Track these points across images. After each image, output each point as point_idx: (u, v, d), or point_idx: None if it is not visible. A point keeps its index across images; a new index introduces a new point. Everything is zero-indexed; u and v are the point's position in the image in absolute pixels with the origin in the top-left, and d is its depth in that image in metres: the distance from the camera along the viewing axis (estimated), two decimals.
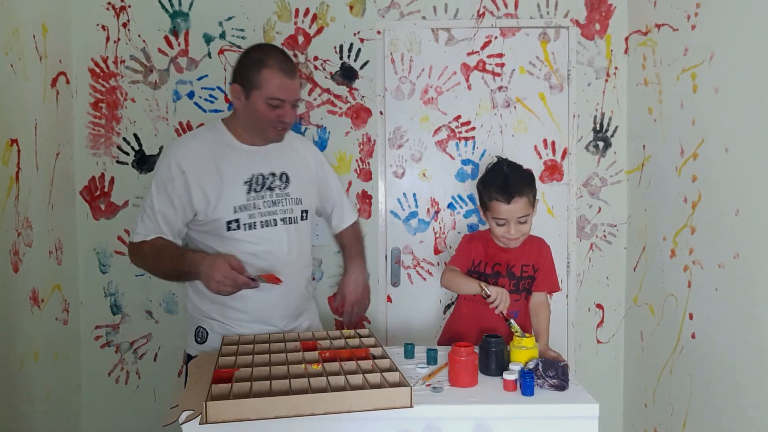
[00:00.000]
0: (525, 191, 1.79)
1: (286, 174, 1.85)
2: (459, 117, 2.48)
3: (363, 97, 2.45)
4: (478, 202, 1.95)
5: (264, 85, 1.70)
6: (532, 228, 1.87)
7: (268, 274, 1.69)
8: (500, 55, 2.47)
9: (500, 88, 2.48)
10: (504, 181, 1.80)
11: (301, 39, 2.43)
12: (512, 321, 1.64)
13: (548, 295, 1.96)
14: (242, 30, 2.42)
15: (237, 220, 1.75)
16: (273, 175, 1.82)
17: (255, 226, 1.77)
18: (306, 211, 1.88)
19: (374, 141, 2.46)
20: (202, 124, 2.43)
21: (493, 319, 1.80)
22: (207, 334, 1.82)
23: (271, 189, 1.81)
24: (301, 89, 1.77)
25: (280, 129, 1.77)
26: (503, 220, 1.81)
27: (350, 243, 2.08)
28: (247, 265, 1.70)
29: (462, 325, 1.94)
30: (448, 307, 2.50)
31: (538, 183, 2.45)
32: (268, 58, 1.72)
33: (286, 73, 1.71)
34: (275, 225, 1.80)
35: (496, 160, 1.95)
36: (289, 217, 1.83)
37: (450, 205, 2.51)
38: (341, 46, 2.44)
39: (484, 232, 1.97)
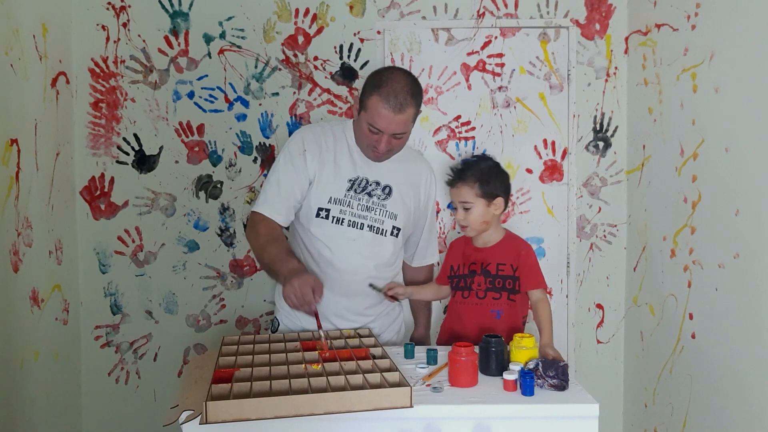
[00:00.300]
0: (469, 179, 1.87)
1: (390, 187, 1.87)
2: (459, 117, 2.48)
3: None
4: None
5: (368, 110, 1.73)
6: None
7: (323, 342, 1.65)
8: (500, 55, 2.47)
9: (500, 88, 2.48)
10: (455, 167, 1.94)
11: (301, 39, 2.43)
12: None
13: (545, 293, 1.96)
14: (242, 30, 2.42)
15: (328, 210, 1.81)
16: (377, 183, 1.86)
17: (343, 222, 1.81)
18: (398, 229, 1.89)
19: None
20: (202, 125, 2.43)
21: (483, 316, 1.88)
22: (278, 324, 1.94)
23: (369, 195, 1.85)
24: (412, 123, 1.77)
25: (375, 154, 1.80)
26: (454, 203, 1.93)
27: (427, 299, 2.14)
28: (322, 259, 1.82)
29: (454, 324, 1.98)
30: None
31: (537, 182, 2.49)
32: (384, 84, 1.70)
33: (392, 107, 1.69)
34: (362, 229, 1.82)
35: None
36: (379, 228, 1.85)
37: (450, 205, 2.50)
38: (341, 46, 2.44)
39: (467, 237, 2.00)
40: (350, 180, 1.83)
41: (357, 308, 1.89)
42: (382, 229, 1.85)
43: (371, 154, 1.81)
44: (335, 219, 1.81)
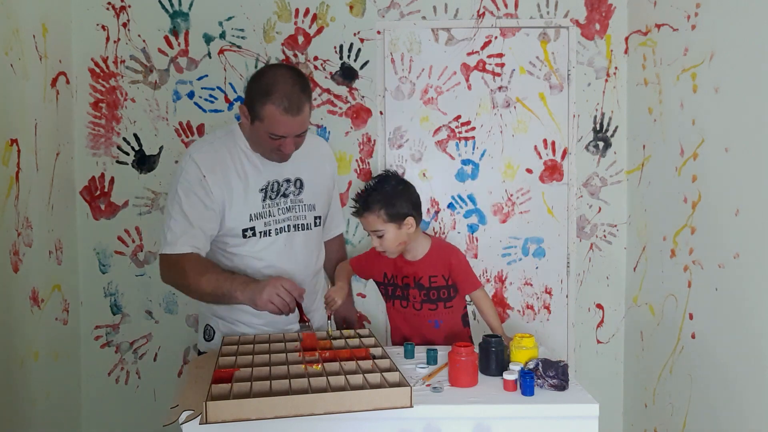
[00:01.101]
0: (373, 207, 1.84)
1: (300, 180, 1.84)
2: (459, 117, 2.48)
3: (363, 97, 2.45)
4: None
5: (265, 119, 1.64)
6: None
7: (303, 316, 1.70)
8: (500, 55, 2.47)
9: (500, 88, 2.48)
10: (358, 196, 1.91)
11: (301, 39, 2.43)
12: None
13: (482, 290, 1.98)
14: (242, 30, 2.42)
15: (253, 228, 1.75)
16: (288, 181, 1.82)
17: (270, 233, 1.77)
18: (319, 218, 1.89)
19: (374, 141, 2.46)
20: (202, 125, 2.43)
21: (422, 326, 1.92)
22: (214, 332, 1.84)
23: (285, 196, 1.81)
24: (309, 118, 1.72)
25: (280, 156, 1.73)
26: (368, 233, 1.92)
27: (341, 258, 2.15)
28: (257, 270, 1.74)
29: (398, 329, 2.01)
30: None
31: (537, 182, 2.49)
32: (274, 90, 1.62)
33: (288, 111, 1.62)
34: (288, 231, 1.81)
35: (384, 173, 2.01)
36: (303, 224, 1.84)
37: (450, 205, 2.51)
38: (341, 46, 2.44)
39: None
40: (261, 189, 1.76)
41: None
42: (306, 224, 1.85)
43: (275, 157, 1.74)
44: (262, 233, 1.76)
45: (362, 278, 2.15)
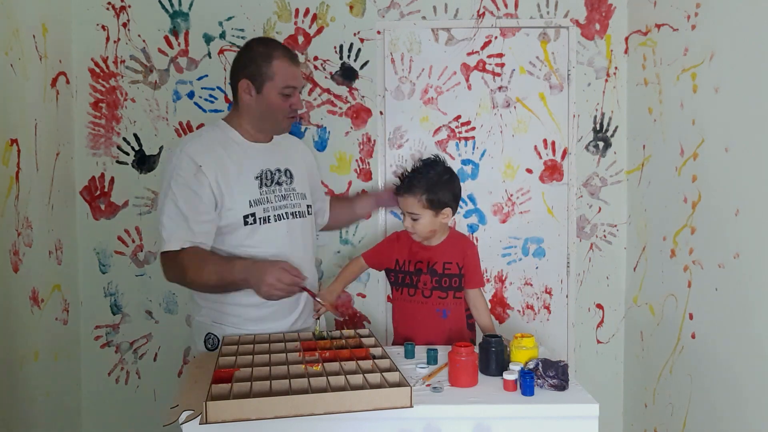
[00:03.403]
0: (415, 191, 1.85)
1: (290, 170, 1.88)
2: (459, 117, 2.48)
3: (363, 97, 2.45)
4: None
5: (277, 76, 1.73)
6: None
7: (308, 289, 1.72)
8: (500, 55, 2.47)
9: (500, 88, 2.48)
10: (403, 175, 1.92)
11: (301, 39, 2.43)
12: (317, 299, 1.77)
13: (481, 289, 2.00)
14: (242, 30, 2.42)
15: (253, 214, 1.75)
16: (279, 170, 1.84)
17: (269, 219, 1.78)
18: (310, 206, 1.93)
19: (374, 141, 2.46)
20: (202, 125, 2.43)
21: (429, 315, 1.90)
22: (218, 340, 1.79)
23: (279, 184, 1.83)
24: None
25: (292, 117, 1.81)
26: (401, 211, 1.93)
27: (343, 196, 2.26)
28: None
29: (402, 324, 1.99)
30: None
31: (537, 182, 2.49)
32: (273, 50, 1.74)
33: (293, 62, 1.76)
34: (287, 218, 1.82)
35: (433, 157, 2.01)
36: (299, 211, 1.86)
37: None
38: (341, 46, 2.44)
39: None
40: (257, 177, 1.78)
41: (303, 301, 1.88)
42: (301, 212, 1.87)
43: (286, 123, 1.82)
44: (261, 219, 1.76)
45: (376, 269, 2.11)
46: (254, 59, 1.74)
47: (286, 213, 1.82)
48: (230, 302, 1.76)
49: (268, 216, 1.78)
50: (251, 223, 1.75)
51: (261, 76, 1.72)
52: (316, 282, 1.99)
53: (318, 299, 1.75)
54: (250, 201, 1.75)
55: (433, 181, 1.86)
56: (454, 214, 1.93)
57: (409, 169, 1.92)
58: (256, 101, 1.76)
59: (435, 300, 1.91)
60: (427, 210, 1.85)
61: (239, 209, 1.74)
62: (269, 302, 1.70)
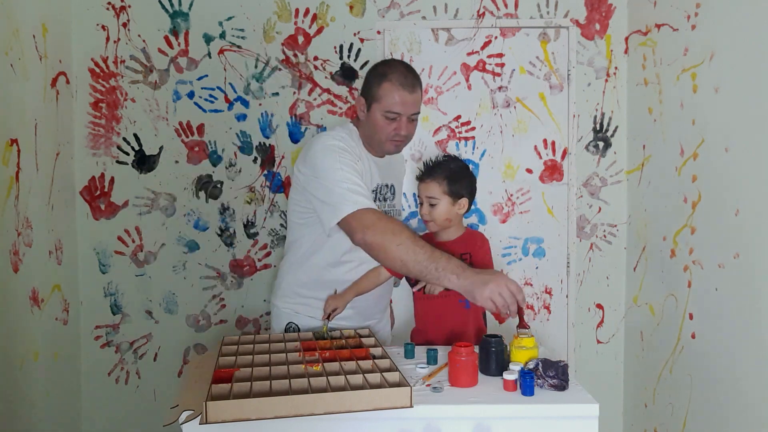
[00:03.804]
0: (438, 177, 1.91)
1: (393, 186, 1.95)
2: (459, 117, 2.48)
3: None
4: None
5: (383, 98, 1.74)
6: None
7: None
8: (500, 55, 2.47)
9: (500, 88, 2.48)
10: (426, 163, 1.97)
11: (301, 39, 2.43)
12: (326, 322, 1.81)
13: None
14: (242, 30, 2.42)
15: None
16: (386, 186, 1.92)
17: None
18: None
19: None
20: (202, 125, 2.43)
21: (452, 308, 1.89)
22: (299, 329, 1.86)
23: (385, 199, 1.91)
24: (421, 102, 1.82)
25: (398, 141, 1.80)
26: (420, 198, 1.95)
27: None
28: (355, 272, 1.84)
29: (424, 321, 1.99)
30: None
31: (537, 182, 2.49)
32: (390, 72, 1.75)
33: (404, 87, 1.74)
34: None
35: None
36: None
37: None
38: (341, 46, 2.44)
39: (429, 232, 2.02)
40: (373, 190, 1.84)
41: (382, 304, 2.00)
42: None
43: (391, 145, 1.80)
44: None
45: (399, 276, 2.07)
46: (371, 79, 1.79)
47: None
48: (319, 297, 1.84)
49: None
50: None
51: (370, 94, 1.77)
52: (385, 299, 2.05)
53: (527, 329, 1.56)
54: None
55: (455, 171, 1.93)
56: (469, 208, 1.97)
57: (431, 158, 1.99)
58: (366, 119, 1.80)
59: (456, 293, 1.91)
60: (445, 196, 1.91)
61: None
62: (355, 301, 1.82)
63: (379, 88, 1.75)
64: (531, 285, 2.53)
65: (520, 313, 1.59)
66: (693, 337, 1.98)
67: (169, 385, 2.46)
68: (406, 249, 1.54)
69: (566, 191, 2.51)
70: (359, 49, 2.44)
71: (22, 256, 1.94)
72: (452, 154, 2.08)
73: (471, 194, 1.96)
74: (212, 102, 2.44)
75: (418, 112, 1.82)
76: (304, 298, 1.87)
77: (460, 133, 2.49)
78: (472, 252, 1.95)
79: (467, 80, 2.47)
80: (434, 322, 1.94)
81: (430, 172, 1.93)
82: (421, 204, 1.96)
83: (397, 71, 1.76)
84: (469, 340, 1.70)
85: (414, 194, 2.49)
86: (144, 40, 2.41)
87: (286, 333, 1.85)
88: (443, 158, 2.00)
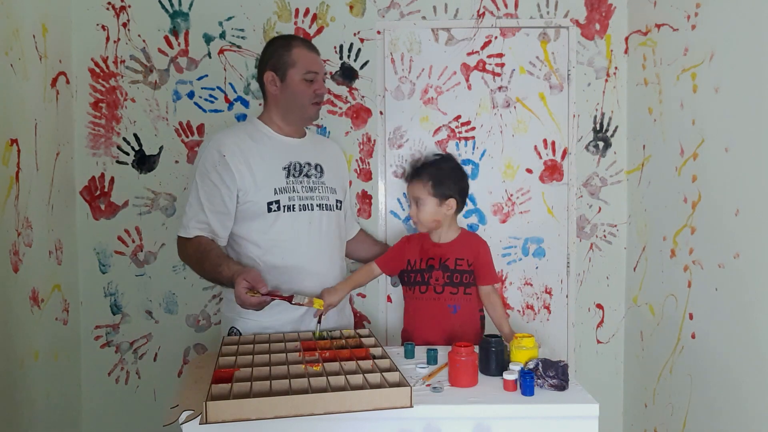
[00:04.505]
0: (423, 177, 1.94)
1: (320, 165, 1.94)
2: (459, 117, 2.48)
3: (363, 97, 2.45)
4: None
5: (298, 62, 1.82)
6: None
7: (311, 299, 1.70)
8: (500, 55, 2.47)
9: (500, 88, 2.48)
10: (417, 161, 2.01)
11: None
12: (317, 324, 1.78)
13: (494, 286, 2.03)
14: (242, 30, 2.42)
15: (277, 202, 1.81)
16: (309, 164, 1.91)
17: (294, 208, 1.83)
18: (340, 201, 1.97)
19: (374, 141, 2.46)
20: (202, 125, 2.43)
21: (441, 311, 1.92)
22: (240, 334, 1.84)
23: (308, 176, 1.89)
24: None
25: (317, 102, 1.88)
26: (409, 199, 2.00)
27: (381, 249, 2.22)
28: (287, 251, 1.80)
29: (412, 321, 2.01)
30: None
31: (537, 182, 2.49)
32: (292, 39, 1.88)
33: (312, 49, 1.87)
34: (312, 210, 1.86)
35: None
36: (326, 204, 1.90)
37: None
38: (341, 46, 2.44)
39: (423, 233, 2.05)
40: (284, 167, 1.86)
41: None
42: (329, 205, 1.91)
43: (313, 109, 1.88)
44: (286, 207, 1.82)
45: (390, 275, 2.14)
46: (275, 51, 1.85)
47: (311, 204, 1.86)
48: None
49: (293, 205, 1.83)
50: (275, 210, 1.81)
51: (283, 64, 1.83)
52: (338, 279, 1.97)
53: (297, 302, 1.67)
54: (275, 188, 1.81)
55: (441, 172, 1.95)
56: (459, 209, 1.99)
57: (418, 158, 2.03)
58: (282, 90, 1.85)
59: (447, 296, 1.95)
60: (431, 197, 1.92)
61: (264, 196, 1.80)
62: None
63: (290, 54, 1.83)
64: (531, 285, 2.53)
65: (274, 296, 1.66)
66: (693, 337, 1.98)
67: (169, 385, 2.46)
68: (200, 274, 1.79)
69: (566, 191, 2.51)
70: (359, 49, 2.44)
71: (22, 256, 1.94)
72: (444, 153, 2.11)
73: (461, 194, 1.97)
74: (212, 102, 2.44)
75: (326, 72, 1.91)
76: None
77: (460, 133, 2.49)
78: (473, 261, 1.96)
79: (467, 80, 2.47)
80: (420, 323, 1.96)
81: (416, 172, 1.96)
82: (410, 204, 1.98)
83: (297, 38, 1.90)
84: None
85: (404, 194, 2.49)
86: (144, 40, 2.41)
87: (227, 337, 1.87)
88: (432, 158, 2.01)
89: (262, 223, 1.81)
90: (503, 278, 2.51)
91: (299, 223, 1.84)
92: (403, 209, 2.50)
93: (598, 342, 2.55)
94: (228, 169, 1.78)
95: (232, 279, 1.65)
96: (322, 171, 1.93)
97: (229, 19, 2.42)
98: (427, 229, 1.97)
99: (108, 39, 2.40)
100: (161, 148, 2.44)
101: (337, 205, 1.94)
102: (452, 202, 1.95)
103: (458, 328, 1.92)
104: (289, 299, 1.67)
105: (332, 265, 1.93)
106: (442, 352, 1.64)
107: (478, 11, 2.44)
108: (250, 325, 1.83)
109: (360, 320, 2.50)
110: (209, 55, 2.43)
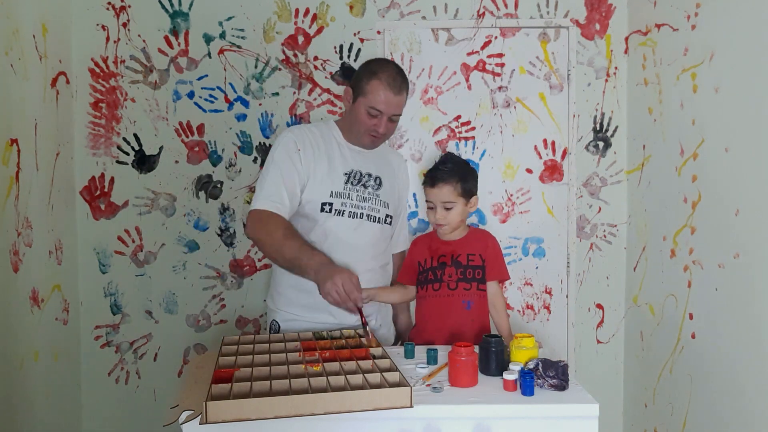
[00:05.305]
0: (450, 180, 1.92)
1: (380, 178, 1.97)
2: (459, 117, 2.48)
3: None
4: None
5: (369, 94, 1.84)
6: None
7: (374, 336, 1.69)
8: (500, 55, 2.47)
9: (500, 88, 2.48)
10: (435, 168, 1.97)
11: (301, 39, 2.43)
12: (366, 327, 1.71)
13: (500, 285, 2.03)
14: (242, 30, 2.42)
15: (331, 204, 1.86)
16: (369, 175, 1.95)
17: (344, 214, 1.87)
18: (391, 217, 1.99)
19: None
20: (202, 125, 2.43)
21: (455, 308, 1.91)
22: (279, 326, 1.92)
23: (365, 186, 1.93)
24: (404, 105, 1.91)
25: (373, 137, 1.89)
26: (431, 203, 1.96)
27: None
28: (327, 253, 1.81)
29: (424, 321, 1.99)
30: None
31: (537, 182, 2.49)
32: (380, 71, 1.85)
33: (391, 88, 1.83)
34: (361, 218, 1.89)
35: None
36: (376, 216, 1.93)
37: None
38: (341, 46, 2.44)
39: (430, 232, 2.06)
40: (346, 173, 1.90)
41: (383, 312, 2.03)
42: (378, 217, 1.94)
43: (368, 139, 1.90)
44: (337, 211, 1.87)
45: (411, 285, 2.07)
46: (363, 72, 1.88)
47: (362, 213, 1.90)
48: (301, 303, 1.88)
49: (344, 210, 1.87)
50: (327, 212, 1.85)
51: (359, 89, 1.86)
52: (387, 307, 2.05)
53: (368, 328, 1.69)
54: (331, 191, 1.86)
55: (464, 171, 1.96)
56: (476, 204, 2.01)
57: (437, 162, 2.00)
58: (350, 109, 1.91)
59: (461, 292, 1.94)
60: (460, 198, 1.93)
61: (320, 196, 1.85)
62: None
63: (368, 84, 1.84)
64: (531, 285, 2.53)
65: (360, 311, 1.66)
66: (693, 337, 1.98)
67: (169, 385, 2.46)
68: (275, 250, 1.76)
69: (566, 191, 2.51)
70: (359, 49, 2.44)
71: (22, 256, 1.94)
72: (445, 153, 2.12)
73: (476, 190, 2.00)
74: (212, 102, 2.44)
75: (400, 114, 1.90)
76: (287, 298, 1.92)
77: (460, 133, 2.49)
78: (484, 254, 1.96)
79: (467, 80, 2.47)
80: (435, 321, 1.94)
81: (442, 176, 1.93)
82: (431, 209, 1.96)
83: (387, 71, 1.85)
84: (468, 341, 1.71)
85: (414, 194, 2.49)
86: (144, 40, 2.41)
87: (271, 330, 1.94)
88: (445, 159, 1.99)
89: (312, 221, 1.87)
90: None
91: (344, 229, 1.87)
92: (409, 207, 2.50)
93: (598, 342, 2.55)
94: (300, 162, 1.85)
95: (324, 266, 1.67)
96: (380, 184, 1.96)
97: (229, 19, 2.42)
98: (452, 230, 1.97)
99: (108, 39, 2.41)
100: (161, 148, 2.44)
101: (386, 220, 1.96)
102: (475, 200, 1.98)
103: (471, 324, 1.92)
104: (365, 323, 1.69)
105: (369, 280, 1.89)
106: (442, 352, 1.64)
107: (478, 11, 2.44)
108: (285, 318, 1.91)
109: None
110: (209, 55, 2.43)
